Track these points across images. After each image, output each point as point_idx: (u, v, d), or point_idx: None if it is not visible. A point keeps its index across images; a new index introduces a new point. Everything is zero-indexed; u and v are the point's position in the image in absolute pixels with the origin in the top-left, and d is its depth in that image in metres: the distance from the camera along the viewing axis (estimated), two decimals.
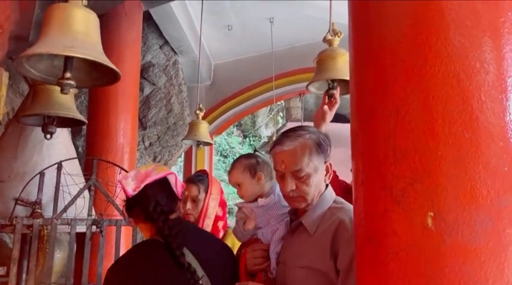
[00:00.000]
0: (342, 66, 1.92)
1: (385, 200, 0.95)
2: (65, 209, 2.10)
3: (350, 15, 1.18)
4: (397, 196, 0.94)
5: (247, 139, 12.12)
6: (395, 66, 0.99)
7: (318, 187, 1.34)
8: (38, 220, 2.03)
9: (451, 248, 0.87)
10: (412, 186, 0.92)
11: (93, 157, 2.33)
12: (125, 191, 1.30)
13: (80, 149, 4.44)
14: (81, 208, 2.28)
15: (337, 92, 1.90)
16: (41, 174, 2.08)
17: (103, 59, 1.34)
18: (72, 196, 2.18)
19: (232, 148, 11.44)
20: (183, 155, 6.96)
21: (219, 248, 1.39)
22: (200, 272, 1.21)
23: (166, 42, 5.35)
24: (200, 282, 1.20)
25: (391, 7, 1.02)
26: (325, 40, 2.03)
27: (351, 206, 1.28)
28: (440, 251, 0.87)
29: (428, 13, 0.96)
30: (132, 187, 1.28)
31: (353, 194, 1.09)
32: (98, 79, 1.48)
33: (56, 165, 2.13)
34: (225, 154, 11.23)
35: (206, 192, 2.00)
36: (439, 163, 0.90)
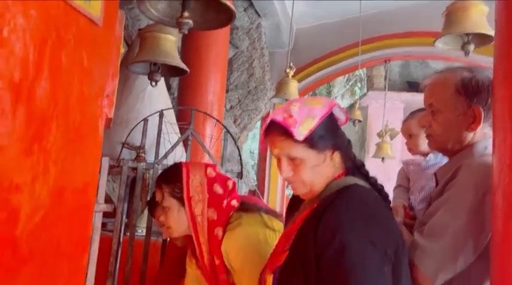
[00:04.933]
0: (477, 19, 1.75)
1: None
2: (165, 156, 2.19)
3: None
4: None
5: None
6: None
7: (452, 132, 1.19)
8: (142, 164, 2.14)
9: None
10: None
11: (190, 108, 2.40)
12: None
13: None
14: (179, 157, 2.37)
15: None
16: (145, 121, 2.17)
17: None
18: (171, 144, 2.27)
19: None
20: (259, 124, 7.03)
21: None
22: None
23: (251, 5, 5.32)
24: None
25: None
26: None
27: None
28: None
29: None
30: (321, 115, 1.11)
31: (494, 164, 0.97)
32: (212, 20, 1.48)
33: (158, 113, 2.21)
34: None
35: (179, 196, 1.51)
36: None
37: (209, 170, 1.58)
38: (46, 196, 0.92)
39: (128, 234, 2.26)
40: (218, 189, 1.55)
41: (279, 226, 1.56)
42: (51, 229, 0.96)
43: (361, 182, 1.14)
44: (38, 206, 0.90)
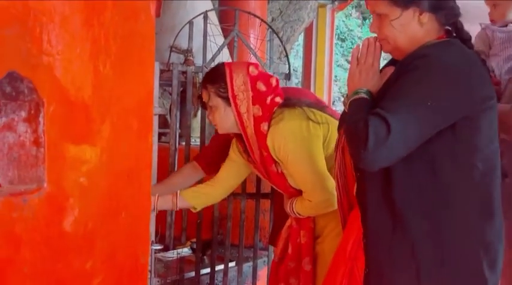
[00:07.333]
0: None
1: None
2: (213, 58, 2.20)
3: None
4: None
5: (366, 21, 11.29)
6: None
7: None
8: (191, 67, 2.16)
9: None
10: None
11: (234, 8, 2.34)
12: None
13: None
14: (226, 60, 2.38)
15: None
16: (190, 23, 2.16)
17: None
18: (218, 47, 2.26)
19: (351, 31, 10.79)
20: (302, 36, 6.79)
21: None
22: None
23: None
24: None
25: None
26: None
27: None
28: None
29: None
30: None
31: None
32: None
33: (202, 15, 2.19)
34: (343, 38, 10.69)
35: (224, 95, 1.58)
36: None
37: (251, 68, 1.62)
38: (109, 71, 0.96)
39: (183, 144, 2.35)
40: (261, 86, 1.60)
41: (322, 118, 1.63)
42: (117, 106, 1.00)
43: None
44: (102, 80, 0.94)
